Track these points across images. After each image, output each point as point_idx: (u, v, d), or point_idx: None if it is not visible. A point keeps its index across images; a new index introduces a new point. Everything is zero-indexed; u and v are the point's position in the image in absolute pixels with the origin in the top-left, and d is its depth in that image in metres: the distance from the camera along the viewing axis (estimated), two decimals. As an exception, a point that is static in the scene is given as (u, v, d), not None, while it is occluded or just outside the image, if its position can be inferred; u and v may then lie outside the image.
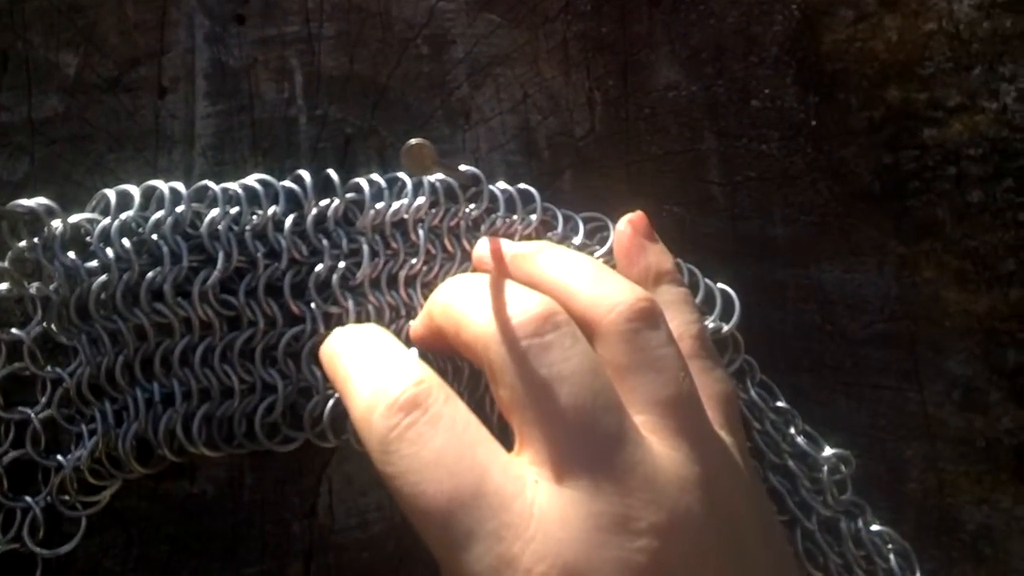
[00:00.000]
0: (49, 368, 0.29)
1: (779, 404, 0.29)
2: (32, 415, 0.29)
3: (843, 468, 0.28)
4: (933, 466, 0.30)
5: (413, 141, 0.22)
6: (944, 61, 0.31)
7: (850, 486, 0.28)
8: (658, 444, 0.22)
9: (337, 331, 0.26)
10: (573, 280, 0.24)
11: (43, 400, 0.30)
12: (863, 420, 0.30)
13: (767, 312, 0.30)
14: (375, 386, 0.23)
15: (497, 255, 0.26)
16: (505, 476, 0.21)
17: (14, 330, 0.29)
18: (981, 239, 0.30)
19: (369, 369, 0.24)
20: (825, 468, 0.28)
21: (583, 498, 0.20)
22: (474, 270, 0.29)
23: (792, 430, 0.28)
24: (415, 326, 0.28)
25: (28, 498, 0.29)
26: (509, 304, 0.22)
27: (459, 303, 0.24)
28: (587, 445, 0.21)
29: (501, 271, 0.25)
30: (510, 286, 0.23)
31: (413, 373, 0.23)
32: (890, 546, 0.28)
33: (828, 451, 0.28)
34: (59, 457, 0.29)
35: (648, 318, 0.23)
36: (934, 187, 0.30)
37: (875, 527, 0.28)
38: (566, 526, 0.20)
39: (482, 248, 0.28)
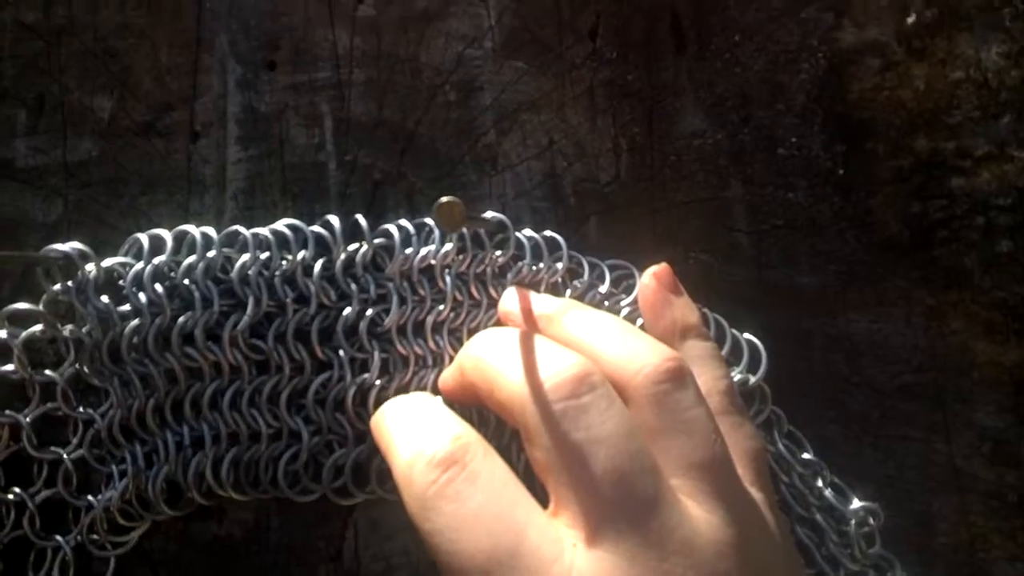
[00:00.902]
0: (81, 409, 0.30)
1: (806, 456, 0.29)
2: (64, 455, 0.30)
3: (871, 521, 0.28)
4: (963, 520, 0.29)
5: (444, 200, 0.23)
6: (972, 110, 0.31)
7: (878, 539, 0.28)
8: (693, 507, 0.22)
9: (387, 402, 0.26)
10: (600, 341, 0.24)
11: (75, 440, 0.30)
12: (890, 472, 0.29)
13: (794, 362, 0.30)
14: (415, 445, 0.23)
15: (527, 312, 0.26)
16: (543, 538, 0.21)
17: (47, 371, 0.30)
18: (1010, 290, 0.30)
19: (410, 429, 0.24)
20: (853, 521, 0.28)
21: (621, 563, 0.20)
22: (500, 322, 0.29)
23: (820, 483, 0.28)
24: (445, 379, 0.28)
25: (59, 537, 0.30)
26: (543, 364, 0.23)
27: (492, 360, 0.24)
28: (624, 509, 0.21)
29: (532, 327, 0.26)
30: (544, 344, 0.23)
31: (451, 430, 0.23)
32: (920, 604, 0.27)
33: (856, 504, 0.28)
34: (89, 497, 0.30)
35: (676, 379, 0.23)
36: (962, 237, 0.30)
37: (907, 582, 0.28)
38: None
39: (509, 302, 0.28)
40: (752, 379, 0.29)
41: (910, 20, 0.31)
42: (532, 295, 0.28)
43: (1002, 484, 0.29)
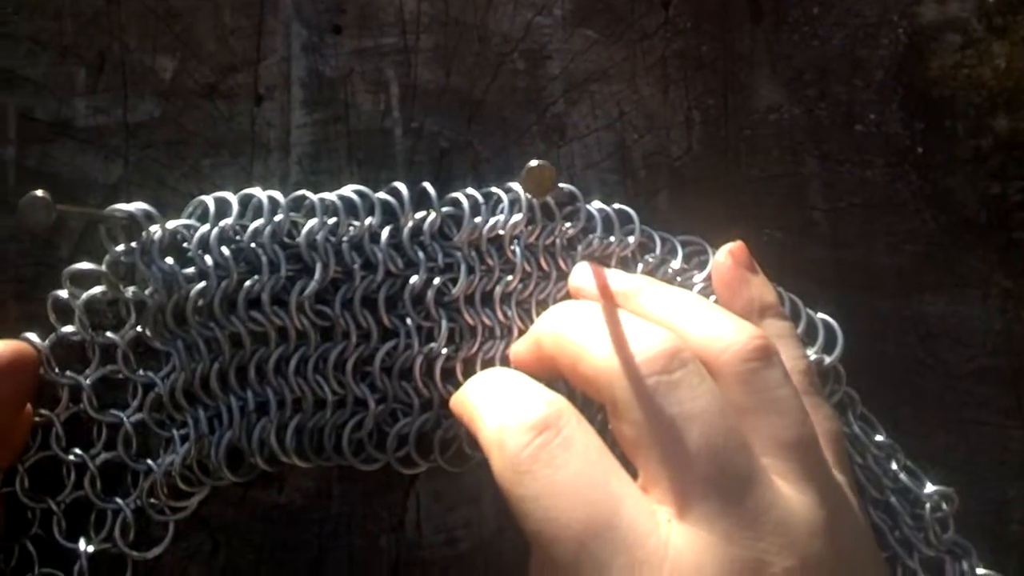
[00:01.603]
0: (141, 372, 0.30)
1: (880, 438, 0.28)
2: (124, 418, 0.30)
3: (945, 506, 0.28)
4: (1036, 508, 0.29)
5: (534, 163, 0.22)
6: (1055, 89, 0.30)
7: (952, 525, 0.28)
8: (785, 487, 0.21)
9: (471, 378, 0.26)
10: (683, 319, 0.24)
11: (134, 404, 0.30)
12: (963, 457, 0.29)
13: (867, 343, 0.29)
14: (506, 409, 0.23)
15: (604, 287, 0.26)
16: (638, 510, 0.21)
17: (109, 333, 0.30)
18: (1091, 275, 0.29)
19: (499, 397, 0.24)
20: (928, 505, 0.27)
21: (717, 542, 0.20)
22: (570, 296, 0.28)
23: (894, 465, 0.28)
24: (518, 351, 0.27)
25: (119, 500, 0.30)
26: (633, 338, 0.22)
27: (575, 334, 0.24)
28: (719, 486, 0.20)
29: (610, 303, 0.25)
30: (630, 319, 0.23)
31: (544, 396, 0.23)
32: (997, 589, 0.27)
33: (930, 488, 0.28)
34: (149, 461, 0.30)
35: (764, 357, 0.23)
36: (1043, 219, 0.30)
37: (981, 571, 0.27)
38: (701, 570, 0.20)
39: (581, 277, 0.27)
40: (827, 360, 0.28)
41: (994, -4, 0.30)
42: (607, 270, 0.27)
43: (1077, 471, 0.29)
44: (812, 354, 0.28)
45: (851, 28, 0.31)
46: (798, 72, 0.31)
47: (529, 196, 0.28)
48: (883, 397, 0.29)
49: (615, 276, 0.27)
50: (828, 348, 0.28)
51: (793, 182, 0.30)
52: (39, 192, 0.24)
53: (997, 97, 0.30)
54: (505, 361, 0.29)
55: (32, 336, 0.30)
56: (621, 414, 0.22)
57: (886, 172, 0.30)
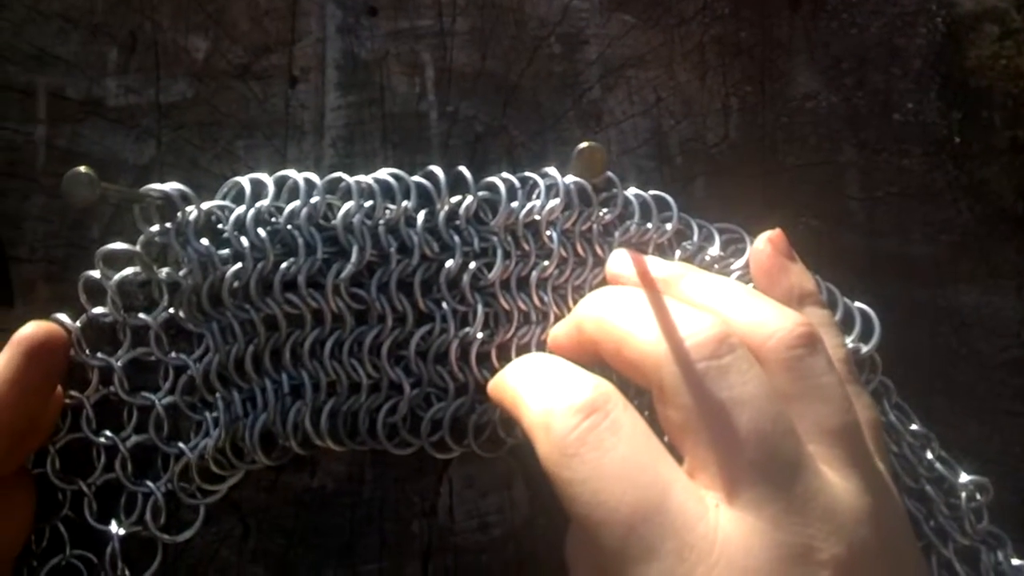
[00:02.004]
0: (173, 354, 0.29)
1: (915, 427, 0.28)
2: (156, 401, 0.29)
3: (979, 496, 0.28)
4: (1068, 498, 0.29)
5: (585, 144, 0.22)
6: (1093, 81, 0.30)
7: (987, 515, 0.28)
8: (831, 474, 0.21)
9: (510, 363, 0.26)
10: (726, 306, 0.24)
11: (166, 386, 0.30)
12: (996, 447, 0.29)
13: (902, 332, 0.29)
14: (552, 392, 0.23)
15: (645, 274, 0.26)
16: (688, 495, 0.21)
17: (141, 315, 0.29)
18: None
19: (543, 381, 0.24)
20: (963, 495, 0.27)
21: (766, 527, 0.20)
22: (607, 283, 0.28)
23: (929, 454, 0.28)
24: (558, 337, 0.27)
25: (150, 483, 0.29)
26: (680, 323, 0.22)
27: (620, 318, 0.24)
28: (767, 472, 0.20)
29: (652, 289, 0.25)
30: (675, 304, 0.23)
31: (591, 380, 0.23)
32: (1032, 583, 0.27)
33: (965, 477, 0.28)
34: (181, 444, 0.29)
35: (809, 344, 0.23)
36: (1079, 211, 0.30)
37: (1016, 561, 0.27)
38: (750, 555, 0.20)
39: (618, 263, 0.27)
40: (864, 348, 0.28)
41: (1034, -14, 0.30)
42: (645, 257, 0.27)
43: (1109, 463, 0.29)
44: (849, 343, 0.28)
45: (889, 16, 0.31)
46: (836, 60, 0.31)
47: (580, 178, 0.27)
48: (917, 386, 0.29)
49: (654, 263, 0.27)
50: (865, 337, 0.28)
51: (830, 170, 0.30)
52: (83, 168, 0.24)
53: (1034, 88, 0.30)
54: (541, 346, 0.29)
55: (63, 317, 0.29)
56: (669, 399, 0.22)
57: (923, 161, 0.30)
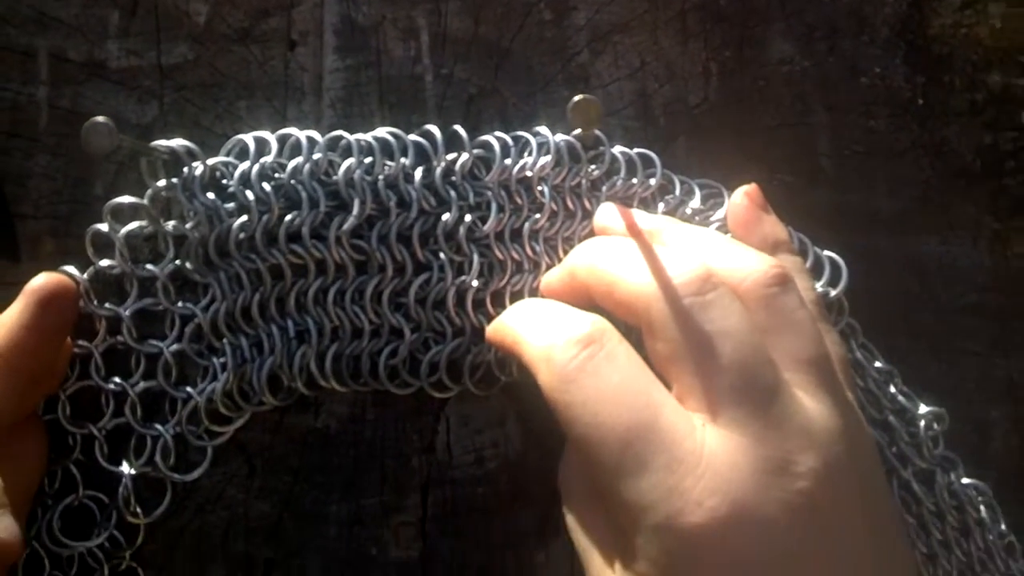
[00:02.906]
0: (180, 304, 0.31)
1: (879, 364, 0.30)
2: (163, 348, 0.31)
3: (936, 425, 0.30)
4: (1016, 428, 0.32)
5: (580, 97, 0.24)
6: (1044, 48, 0.32)
7: (942, 442, 0.30)
8: (804, 398, 0.23)
9: (508, 308, 0.28)
10: (707, 252, 0.26)
11: (172, 334, 0.31)
12: (952, 383, 0.31)
13: (868, 279, 0.31)
14: (551, 328, 0.25)
15: (632, 225, 0.28)
16: (676, 416, 0.23)
17: (148, 266, 0.31)
18: (1072, 219, 0.32)
19: (542, 320, 0.25)
20: (922, 423, 0.30)
21: (748, 443, 0.22)
22: (595, 235, 0.30)
23: (892, 388, 0.30)
24: (550, 283, 0.29)
25: (159, 426, 0.31)
26: (668, 265, 0.24)
27: (610, 263, 0.26)
28: (748, 395, 0.22)
29: (645, 236, 0.27)
30: (662, 250, 0.25)
31: (588, 315, 0.25)
32: (980, 498, 0.30)
33: (923, 408, 0.30)
34: (189, 389, 0.31)
35: (783, 283, 0.25)
36: (1029, 168, 0.32)
37: (966, 480, 0.30)
38: (734, 468, 0.22)
39: (605, 217, 0.29)
40: (832, 292, 0.30)
41: (991, -42, 0.32)
42: (632, 211, 0.29)
43: (1053, 398, 0.32)
44: (819, 287, 0.30)
45: (858, -15, 0.33)
46: (809, 28, 0.33)
47: (576, 129, 0.29)
48: (881, 328, 0.31)
49: (640, 215, 0.29)
50: (833, 282, 0.31)
51: (802, 131, 0.32)
52: (101, 117, 0.25)
53: (991, 55, 0.32)
54: (533, 293, 0.30)
55: (71, 269, 0.30)
56: (657, 333, 0.24)
57: (889, 122, 0.32)
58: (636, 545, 0.22)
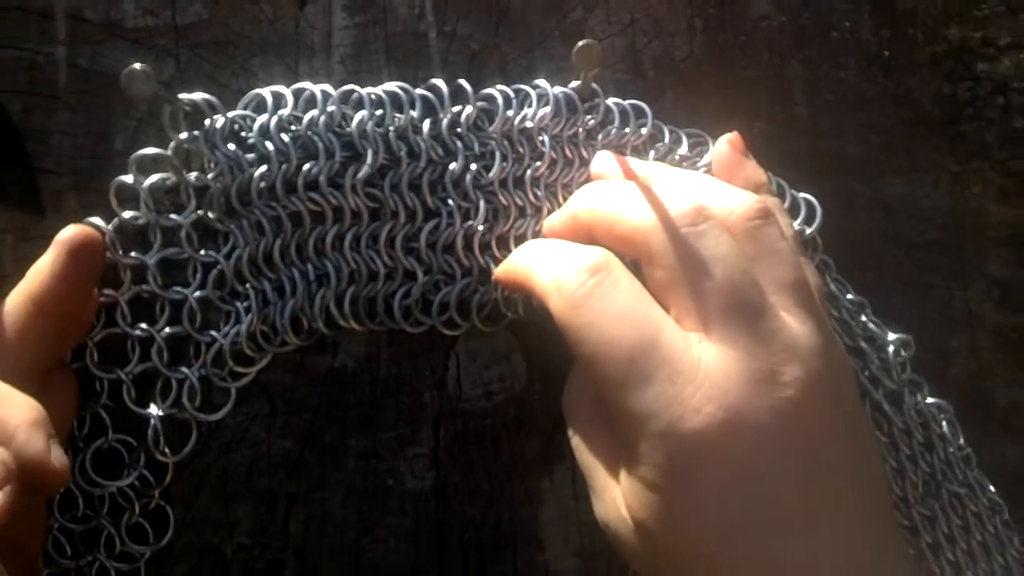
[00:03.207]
0: (202, 252, 0.32)
1: (851, 296, 0.33)
2: (188, 294, 0.32)
3: (903, 351, 0.33)
4: (973, 354, 0.35)
5: (583, 42, 0.26)
6: (997, 5, 0.35)
7: (909, 366, 0.33)
8: (788, 318, 0.26)
9: (516, 249, 0.31)
10: (698, 190, 0.28)
11: (196, 281, 0.33)
12: (917, 314, 0.35)
13: (841, 219, 0.34)
14: (560, 260, 0.27)
15: (629, 169, 0.30)
16: (675, 334, 0.25)
17: (173, 216, 0.32)
18: (1022, 161, 0.35)
19: (550, 255, 0.28)
20: (890, 349, 0.33)
21: (740, 356, 0.25)
22: (594, 180, 0.32)
23: (863, 317, 0.33)
24: (553, 225, 0.31)
25: (185, 369, 0.33)
26: (664, 202, 0.26)
27: (609, 203, 0.28)
28: (739, 314, 0.25)
29: (640, 179, 0.29)
30: (659, 188, 0.27)
31: (593, 248, 0.27)
32: (942, 416, 0.33)
33: (891, 336, 0.33)
34: (213, 333, 0.33)
35: (766, 216, 0.27)
36: (984, 115, 0.35)
37: (930, 400, 0.33)
38: (728, 378, 0.24)
39: (602, 164, 0.31)
40: (808, 230, 0.33)
41: (950, -79, 0.35)
42: (627, 158, 0.31)
43: (1006, 324, 0.35)
44: (795, 225, 0.33)
45: (830, -53, 0.35)
46: (785, -15, 0.35)
47: (580, 71, 0.30)
48: (852, 264, 0.34)
49: (634, 162, 0.31)
50: (808, 221, 0.33)
51: (779, 82, 0.35)
52: (138, 65, 0.26)
53: (951, 10, 0.35)
54: (536, 236, 0.33)
55: (97, 220, 0.32)
56: (656, 261, 0.26)
57: (857, 73, 0.35)
58: (640, 452, 0.25)
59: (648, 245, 0.26)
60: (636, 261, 0.28)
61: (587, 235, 0.29)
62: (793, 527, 0.24)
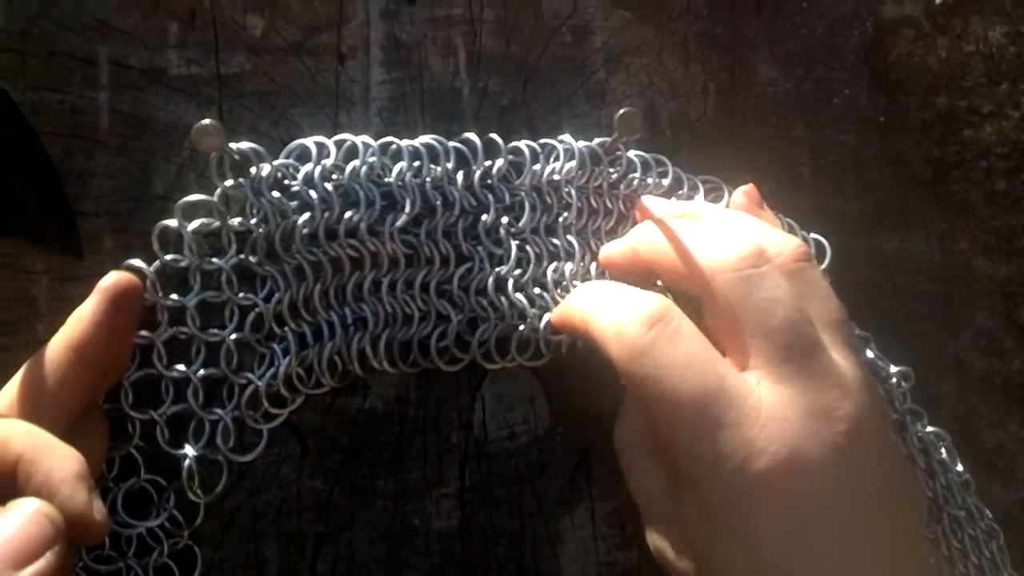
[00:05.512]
0: (241, 295, 0.33)
1: (857, 332, 0.36)
2: (225, 337, 0.33)
3: (904, 383, 0.36)
4: (962, 398, 0.38)
5: (625, 109, 0.28)
6: (980, 76, 0.39)
7: (909, 397, 0.36)
8: (835, 354, 0.27)
9: (572, 292, 0.32)
10: (752, 232, 0.30)
11: (233, 323, 0.33)
12: (910, 360, 0.37)
13: (841, 271, 0.37)
14: (620, 307, 0.28)
15: (682, 208, 0.32)
16: (737, 378, 0.27)
17: (215, 259, 0.33)
18: (1004, 220, 0.38)
19: (610, 300, 0.29)
20: (893, 381, 0.35)
21: (796, 394, 0.26)
22: (639, 219, 0.34)
23: (869, 352, 0.36)
24: (611, 257, 0.33)
25: (219, 410, 0.33)
26: (728, 243, 0.28)
27: (675, 240, 0.29)
28: (797, 352, 0.26)
29: (696, 219, 0.31)
30: (717, 229, 0.29)
31: (652, 295, 0.28)
32: (941, 443, 0.36)
33: (893, 368, 0.36)
34: (249, 374, 0.33)
35: (808, 258, 0.29)
36: (970, 176, 0.38)
37: (930, 428, 0.36)
38: (787, 417, 0.26)
39: (652, 205, 0.33)
40: (820, 267, 0.36)
41: (937, 1, 0.38)
42: (673, 202, 0.34)
43: (991, 371, 0.38)
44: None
45: (831, 20, 0.38)
46: (789, 54, 0.38)
47: (622, 136, 0.32)
48: (853, 314, 0.35)
49: (680, 204, 0.33)
50: (819, 259, 0.36)
51: (785, 143, 0.38)
52: (207, 120, 0.27)
53: (939, 80, 0.39)
54: (573, 278, 0.34)
55: (138, 262, 0.32)
56: (719, 300, 0.27)
57: (856, 136, 0.38)
58: (709, 492, 0.26)
59: (713, 285, 0.28)
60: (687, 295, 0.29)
61: (645, 268, 0.31)
62: (852, 559, 0.26)
